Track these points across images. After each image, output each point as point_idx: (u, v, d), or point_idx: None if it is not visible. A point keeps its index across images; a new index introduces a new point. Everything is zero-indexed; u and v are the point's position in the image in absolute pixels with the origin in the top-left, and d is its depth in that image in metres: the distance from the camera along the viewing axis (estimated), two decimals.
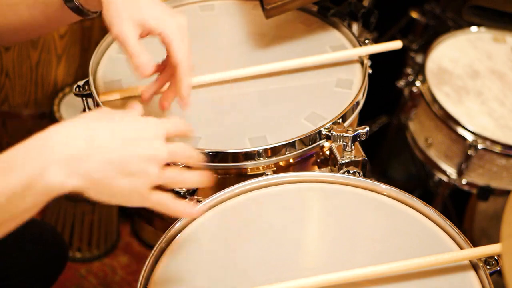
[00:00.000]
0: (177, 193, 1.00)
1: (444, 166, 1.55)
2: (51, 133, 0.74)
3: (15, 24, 1.02)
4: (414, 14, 1.85)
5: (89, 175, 0.75)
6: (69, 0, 0.98)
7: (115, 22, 0.93)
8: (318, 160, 1.06)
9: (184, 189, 0.99)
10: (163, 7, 0.96)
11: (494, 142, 1.45)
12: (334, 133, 1.02)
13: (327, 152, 1.05)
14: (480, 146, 1.45)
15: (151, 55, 0.93)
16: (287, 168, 1.03)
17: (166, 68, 1.01)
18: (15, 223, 0.75)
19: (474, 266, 0.87)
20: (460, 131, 1.47)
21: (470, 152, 1.46)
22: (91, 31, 1.67)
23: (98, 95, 1.07)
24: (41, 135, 0.74)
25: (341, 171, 1.01)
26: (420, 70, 1.59)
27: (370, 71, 1.16)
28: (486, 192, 1.52)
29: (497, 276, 0.85)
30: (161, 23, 0.94)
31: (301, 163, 1.04)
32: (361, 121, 1.14)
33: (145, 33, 0.95)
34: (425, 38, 1.82)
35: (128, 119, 0.80)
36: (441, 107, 1.50)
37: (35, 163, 0.72)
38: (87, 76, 1.10)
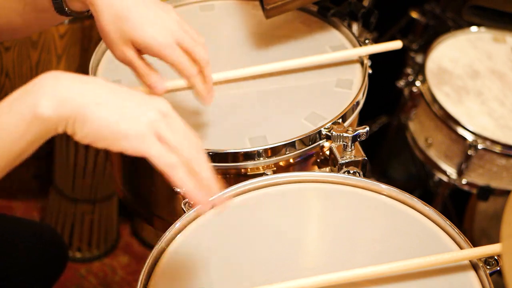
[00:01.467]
0: (177, 193, 1.00)
1: (444, 166, 1.55)
2: (39, 78, 0.74)
3: (8, 26, 1.02)
4: (414, 14, 1.85)
5: (77, 102, 0.73)
6: (56, 3, 0.97)
7: (114, 48, 0.94)
8: (318, 160, 1.06)
9: (184, 189, 0.99)
10: (154, 15, 0.93)
11: (494, 142, 1.45)
12: (334, 133, 1.02)
13: (327, 152, 1.05)
14: (480, 146, 1.45)
15: (159, 73, 0.95)
16: (287, 168, 1.03)
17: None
18: (13, 161, 0.74)
19: (474, 266, 0.87)
20: (460, 131, 1.47)
21: (470, 152, 1.46)
22: (91, 31, 1.67)
23: None
24: (30, 82, 0.74)
25: (341, 171, 1.01)
26: (420, 70, 1.59)
27: (370, 71, 1.16)
28: (486, 192, 1.52)
29: (497, 276, 0.85)
30: (151, 46, 0.93)
31: (301, 163, 1.04)
32: (361, 121, 1.14)
33: (141, 51, 0.95)
34: (425, 38, 1.82)
35: (129, 91, 0.77)
36: (441, 107, 1.50)
37: (27, 100, 0.72)
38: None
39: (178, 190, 0.99)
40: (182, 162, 0.75)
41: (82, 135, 0.74)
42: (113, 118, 0.73)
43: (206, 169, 0.78)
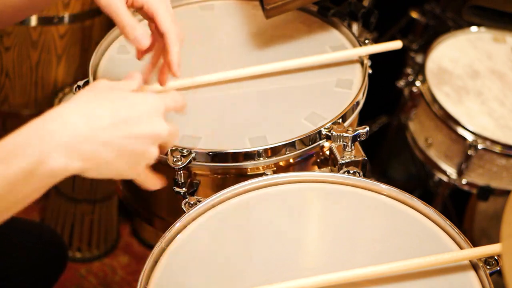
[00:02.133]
0: (177, 193, 1.00)
1: (444, 166, 1.55)
2: (49, 117, 0.73)
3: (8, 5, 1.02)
4: (414, 14, 1.85)
5: (90, 157, 0.75)
6: None
7: None
8: (318, 160, 1.06)
9: (184, 189, 0.99)
10: None
11: (494, 142, 1.45)
12: (334, 133, 1.02)
13: (327, 152, 1.05)
14: (480, 146, 1.45)
15: (144, 28, 0.94)
16: (287, 168, 1.03)
17: (156, 44, 1.00)
18: (16, 209, 0.74)
19: (474, 266, 0.87)
20: (460, 131, 1.47)
21: (470, 152, 1.46)
22: (91, 31, 1.67)
23: None
24: (40, 120, 0.73)
25: (341, 171, 1.01)
26: (420, 70, 1.59)
27: (370, 71, 1.16)
28: (486, 192, 1.52)
29: (497, 276, 0.85)
30: None
31: (301, 163, 1.04)
32: (361, 121, 1.14)
33: (129, 4, 0.95)
34: (425, 38, 1.82)
35: (126, 96, 0.79)
36: (441, 107, 1.50)
37: (36, 150, 0.71)
38: (87, 76, 1.10)
39: (178, 190, 0.99)
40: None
41: (86, 175, 0.79)
42: (118, 172, 0.81)
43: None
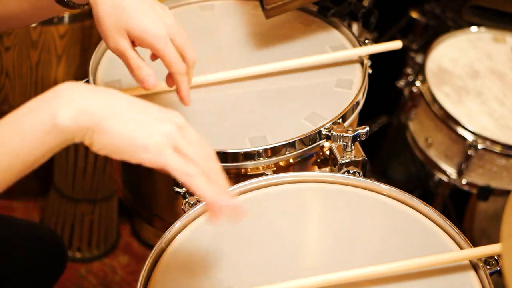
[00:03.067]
0: (177, 193, 1.00)
1: (444, 166, 1.55)
2: (57, 87, 0.75)
3: (3, 15, 1.02)
4: (414, 14, 1.85)
5: (97, 113, 0.74)
6: None
7: (109, 35, 0.94)
8: (318, 160, 1.06)
9: (184, 189, 0.99)
10: (151, 8, 0.94)
11: (494, 142, 1.45)
12: (334, 133, 1.02)
13: (327, 152, 1.05)
14: (480, 146, 1.45)
15: (151, 68, 0.95)
16: (287, 168, 1.03)
17: None
18: (27, 169, 0.74)
19: (474, 266, 0.87)
20: (460, 131, 1.47)
21: (470, 152, 1.46)
22: (91, 31, 1.67)
23: None
24: (48, 91, 0.75)
25: (341, 171, 1.01)
26: (420, 70, 1.59)
27: (370, 71, 1.16)
28: (486, 192, 1.52)
29: (497, 276, 0.85)
30: (146, 36, 0.93)
31: (301, 163, 1.04)
32: (361, 121, 1.14)
33: (136, 45, 0.96)
34: (425, 38, 1.82)
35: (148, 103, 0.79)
36: (441, 107, 1.50)
37: (46, 109, 0.73)
38: (87, 76, 1.10)
39: (179, 190, 0.99)
40: (199, 172, 0.76)
41: (100, 147, 0.75)
42: (132, 131, 0.74)
43: (222, 178, 0.79)
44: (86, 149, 1.72)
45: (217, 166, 0.79)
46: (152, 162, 0.75)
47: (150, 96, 1.09)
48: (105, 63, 1.16)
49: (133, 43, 0.96)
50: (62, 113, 0.72)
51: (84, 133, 0.74)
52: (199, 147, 0.77)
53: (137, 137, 0.74)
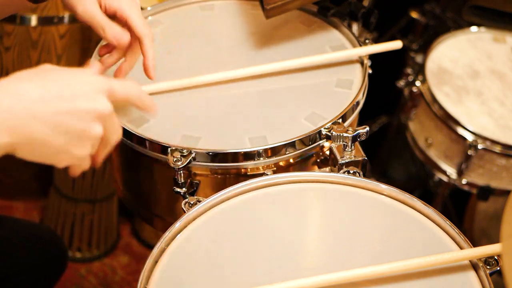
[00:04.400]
0: (177, 193, 1.00)
1: (444, 166, 1.55)
2: None
3: None
4: (414, 14, 1.85)
5: (19, 132, 0.70)
6: None
7: (79, 1, 0.95)
8: (318, 160, 1.06)
9: (184, 189, 0.99)
10: None
11: (494, 142, 1.45)
12: (334, 133, 1.02)
13: (327, 152, 1.05)
14: (480, 146, 1.45)
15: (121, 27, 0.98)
16: (287, 168, 1.03)
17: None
18: None
19: (474, 266, 0.87)
20: (460, 131, 1.47)
21: (470, 152, 1.46)
22: (91, 31, 1.66)
23: None
24: None
25: (341, 171, 1.01)
26: (420, 70, 1.59)
27: (370, 71, 1.16)
28: (486, 192, 1.52)
29: (497, 276, 0.85)
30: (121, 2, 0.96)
31: (301, 163, 1.04)
32: (361, 121, 1.14)
33: (103, 11, 0.98)
34: (425, 38, 1.82)
35: (64, 76, 0.75)
36: (441, 107, 1.50)
37: None
38: None
39: (178, 190, 0.99)
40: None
41: (23, 157, 0.73)
42: (58, 151, 0.73)
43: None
44: None
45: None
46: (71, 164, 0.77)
47: (151, 96, 1.09)
48: None
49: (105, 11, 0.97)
50: None
51: (5, 150, 0.71)
52: (115, 133, 0.78)
53: (64, 157, 0.74)
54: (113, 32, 0.97)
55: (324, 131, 1.02)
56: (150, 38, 0.99)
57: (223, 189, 0.96)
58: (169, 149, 0.98)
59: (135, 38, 1.00)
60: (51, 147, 0.73)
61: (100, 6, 0.97)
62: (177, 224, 0.91)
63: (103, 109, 0.74)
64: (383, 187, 0.97)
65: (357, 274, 0.85)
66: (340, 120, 1.04)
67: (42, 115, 0.71)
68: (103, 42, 1.17)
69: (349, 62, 1.18)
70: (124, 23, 0.99)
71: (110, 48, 1.04)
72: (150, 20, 1.26)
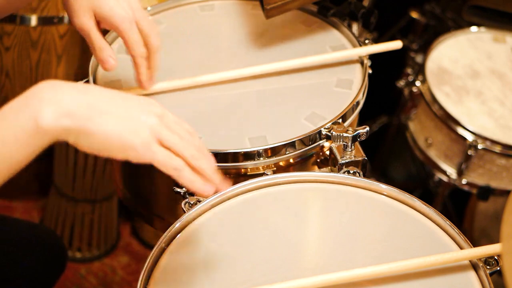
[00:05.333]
0: (177, 193, 1.00)
1: (444, 166, 1.55)
2: (43, 85, 0.74)
3: None
4: (414, 14, 1.85)
5: (80, 114, 0.73)
6: None
7: (76, 14, 0.96)
8: (318, 160, 1.06)
9: (184, 189, 0.99)
10: None
11: (494, 142, 1.45)
12: (334, 133, 1.02)
13: (327, 152, 1.05)
14: (480, 146, 1.45)
15: (113, 51, 0.98)
16: (287, 168, 1.03)
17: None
18: (12, 171, 0.74)
19: (474, 266, 0.87)
20: (460, 131, 1.47)
21: (470, 152, 1.46)
22: None
23: None
24: (29, 91, 0.74)
25: (341, 171, 1.01)
26: (420, 70, 1.59)
27: (370, 71, 1.16)
28: (486, 192, 1.52)
29: (497, 276, 0.85)
30: (112, 17, 0.96)
31: (301, 163, 1.04)
32: (361, 121, 1.14)
33: (101, 27, 0.98)
34: (425, 38, 1.82)
35: (128, 95, 0.79)
36: (441, 107, 1.50)
37: (28, 108, 0.72)
38: (87, 76, 1.10)
39: (178, 190, 0.99)
40: (185, 162, 0.78)
41: (86, 146, 0.75)
42: (117, 130, 0.74)
43: (207, 163, 0.81)
44: None
45: (201, 151, 0.81)
46: (139, 158, 0.76)
47: (151, 96, 1.09)
48: None
49: (99, 25, 0.98)
50: (44, 114, 0.72)
51: (68, 133, 0.73)
52: (182, 133, 0.79)
53: (123, 136, 0.75)
54: (101, 55, 0.98)
55: (324, 131, 1.02)
56: (143, 56, 0.99)
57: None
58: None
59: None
60: (110, 133, 0.74)
61: (95, 21, 0.97)
62: (177, 224, 0.91)
63: (155, 107, 0.78)
64: (383, 187, 0.97)
65: (357, 274, 0.85)
66: (340, 120, 1.04)
67: (104, 100, 0.75)
68: None
69: (349, 62, 1.18)
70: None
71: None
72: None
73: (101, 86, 0.79)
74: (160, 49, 1.01)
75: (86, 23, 0.96)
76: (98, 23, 0.98)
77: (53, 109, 0.72)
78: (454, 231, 0.91)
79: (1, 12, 1.06)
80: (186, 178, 0.78)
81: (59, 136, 0.73)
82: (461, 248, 0.89)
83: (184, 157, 0.78)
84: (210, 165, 0.81)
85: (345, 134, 1.01)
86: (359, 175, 1.00)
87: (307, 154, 1.04)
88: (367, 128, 1.02)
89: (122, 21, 0.96)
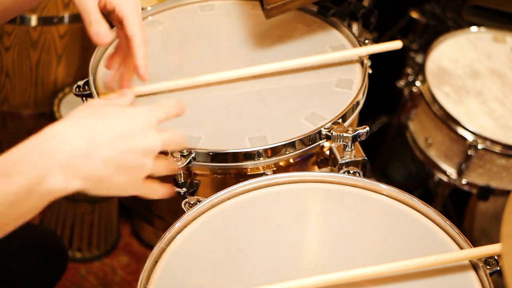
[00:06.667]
0: (177, 193, 1.00)
1: (444, 166, 1.55)
2: (48, 135, 0.74)
3: None
4: (414, 14, 1.85)
5: (90, 176, 0.76)
6: None
7: None
8: (318, 160, 1.06)
9: (184, 189, 0.99)
10: None
11: (494, 142, 1.45)
12: (334, 133, 1.02)
13: (327, 152, 1.05)
14: (480, 146, 1.45)
15: (107, 26, 0.97)
16: (287, 168, 1.03)
17: (120, 50, 1.04)
18: (15, 225, 0.75)
19: (474, 266, 0.87)
20: (460, 131, 1.47)
21: (470, 152, 1.46)
22: None
23: (98, 95, 1.07)
24: (39, 137, 0.74)
25: (341, 171, 1.01)
26: (420, 70, 1.59)
27: (370, 71, 1.16)
28: (486, 192, 1.52)
29: (497, 276, 0.85)
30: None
31: (301, 163, 1.04)
32: (361, 121, 1.14)
33: (102, 6, 0.97)
34: (425, 38, 1.82)
35: (120, 112, 0.81)
36: (441, 107, 1.50)
37: (35, 169, 0.72)
38: (87, 76, 1.10)
39: (179, 190, 0.99)
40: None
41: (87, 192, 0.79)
42: (121, 188, 0.81)
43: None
44: None
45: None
46: (130, 194, 0.84)
47: (151, 97, 1.09)
48: None
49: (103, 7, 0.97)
50: (53, 178, 0.72)
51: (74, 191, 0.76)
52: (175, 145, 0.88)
53: (126, 191, 0.82)
54: (97, 29, 0.95)
55: (324, 131, 1.02)
56: (141, 38, 0.99)
57: (223, 189, 0.96)
58: (177, 150, 0.98)
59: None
60: (114, 185, 0.79)
61: (100, 1, 0.96)
62: (177, 224, 0.91)
63: (154, 144, 0.82)
64: (383, 187, 0.97)
65: (357, 274, 0.85)
66: (340, 120, 1.04)
67: (111, 158, 0.77)
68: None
69: (349, 62, 1.18)
70: (120, 22, 0.99)
71: (114, 59, 1.05)
72: (150, 20, 1.27)
73: (102, 104, 0.83)
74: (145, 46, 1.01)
75: None
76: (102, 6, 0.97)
77: (62, 172, 0.73)
78: (454, 231, 0.91)
79: (5, 14, 1.06)
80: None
81: (65, 193, 0.75)
82: (461, 248, 0.89)
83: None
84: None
85: (345, 134, 1.01)
86: (359, 175, 1.00)
87: (307, 154, 1.04)
88: (367, 128, 1.02)
89: (131, 11, 0.97)
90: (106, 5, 0.97)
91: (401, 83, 1.69)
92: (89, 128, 0.77)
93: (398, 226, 0.93)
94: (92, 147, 0.76)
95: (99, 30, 0.95)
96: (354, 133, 1.01)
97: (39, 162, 0.72)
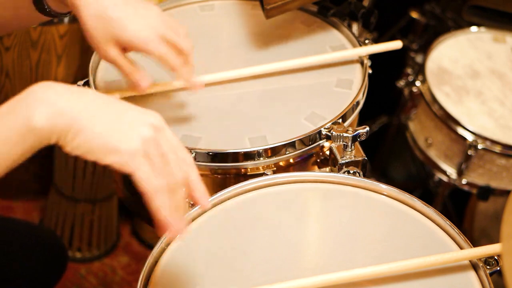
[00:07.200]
0: None
1: (444, 166, 1.55)
2: (32, 88, 0.74)
3: None
4: (414, 14, 1.85)
5: (72, 113, 0.73)
6: (38, 2, 0.98)
7: (98, 47, 0.95)
8: (318, 160, 1.06)
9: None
10: (134, 13, 0.95)
11: (494, 142, 1.45)
12: (334, 133, 1.02)
13: (327, 152, 1.05)
14: (480, 146, 1.45)
15: (144, 69, 0.96)
16: (287, 168, 1.03)
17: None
18: (3, 170, 0.74)
19: (474, 266, 0.87)
20: (460, 131, 1.47)
21: (470, 152, 1.46)
22: None
23: None
24: (23, 92, 0.74)
25: (341, 171, 1.01)
26: (420, 70, 1.59)
27: (370, 71, 1.16)
28: (486, 192, 1.52)
29: (497, 276, 0.85)
30: (135, 42, 0.94)
31: (301, 163, 1.04)
32: (361, 121, 1.14)
33: (121, 49, 0.96)
34: (425, 38, 1.82)
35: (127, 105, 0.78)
36: (441, 107, 1.50)
37: (20, 112, 0.72)
38: (87, 76, 1.10)
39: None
40: (164, 189, 0.75)
41: (73, 147, 0.74)
42: (106, 132, 0.73)
43: (181, 200, 0.78)
44: None
45: (191, 170, 0.78)
46: (121, 166, 0.74)
47: (151, 97, 1.09)
48: (105, 63, 1.16)
49: (126, 49, 0.96)
50: (38, 114, 0.72)
51: (60, 133, 0.73)
52: (170, 154, 0.76)
53: (111, 140, 0.73)
54: (133, 79, 0.96)
55: (324, 131, 1.02)
56: (180, 66, 0.98)
57: (223, 189, 0.96)
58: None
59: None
60: (103, 131, 0.73)
61: (121, 44, 0.95)
62: None
63: (154, 119, 0.76)
64: (383, 187, 0.97)
65: (357, 274, 0.85)
66: (340, 120, 1.04)
67: (99, 103, 0.75)
68: None
69: (349, 62, 1.18)
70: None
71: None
72: None
73: (98, 92, 0.80)
74: (193, 47, 0.99)
75: (110, 54, 0.94)
76: (124, 49, 0.96)
77: (46, 109, 0.72)
78: (454, 231, 0.91)
79: (6, 26, 1.06)
80: (159, 203, 0.74)
81: (51, 135, 0.73)
82: (461, 248, 0.89)
83: (169, 179, 0.75)
84: (182, 203, 0.78)
85: (345, 134, 1.01)
86: (359, 175, 1.00)
87: (307, 154, 1.04)
88: (367, 128, 1.02)
89: (146, 43, 0.94)
90: (126, 50, 0.97)
91: (401, 83, 1.69)
92: (81, 90, 0.76)
93: (398, 226, 0.93)
94: (78, 97, 0.74)
95: (136, 78, 0.96)
96: (354, 133, 1.01)
97: (24, 103, 0.73)
